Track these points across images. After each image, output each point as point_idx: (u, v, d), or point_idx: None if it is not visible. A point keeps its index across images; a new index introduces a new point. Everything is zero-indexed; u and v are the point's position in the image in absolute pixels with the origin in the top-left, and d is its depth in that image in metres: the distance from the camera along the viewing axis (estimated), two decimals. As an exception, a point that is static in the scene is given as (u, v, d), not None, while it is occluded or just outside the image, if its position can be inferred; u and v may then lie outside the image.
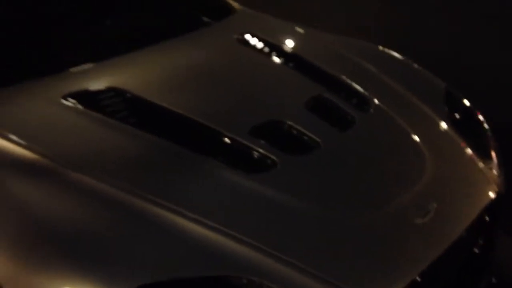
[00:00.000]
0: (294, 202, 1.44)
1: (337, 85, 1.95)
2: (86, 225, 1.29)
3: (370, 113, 1.86)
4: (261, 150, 1.56)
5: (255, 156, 1.55)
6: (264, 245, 1.31)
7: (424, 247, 1.48)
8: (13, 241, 1.27)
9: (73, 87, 1.67)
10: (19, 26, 1.89)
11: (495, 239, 1.83)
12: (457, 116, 2.01)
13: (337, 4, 4.98)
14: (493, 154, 1.91)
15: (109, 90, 1.69)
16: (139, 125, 1.57)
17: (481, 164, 1.81)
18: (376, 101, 1.90)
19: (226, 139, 1.59)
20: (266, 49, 2.09)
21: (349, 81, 1.98)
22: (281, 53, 2.09)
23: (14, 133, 1.48)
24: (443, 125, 1.92)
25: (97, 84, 1.72)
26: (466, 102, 2.11)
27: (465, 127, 1.96)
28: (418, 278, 1.40)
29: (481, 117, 2.06)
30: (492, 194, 1.75)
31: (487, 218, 1.73)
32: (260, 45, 2.10)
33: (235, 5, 2.39)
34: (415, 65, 2.22)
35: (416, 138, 1.80)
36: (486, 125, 2.04)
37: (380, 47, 2.33)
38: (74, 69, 1.78)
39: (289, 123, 1.69)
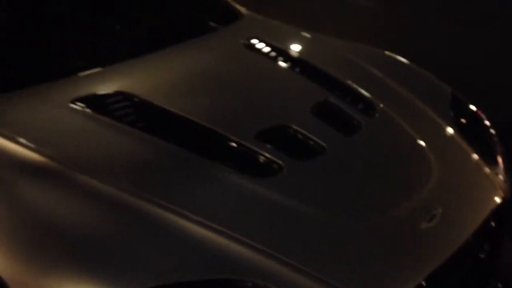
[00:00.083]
0: (300, 207, 1.44)
1: (343, 90, 1.95)
2: (93, 228, 1.30)
3: (376, 118, 1.86)
4: (267, 155, 1.57)
5: (261, 161, 1.56)
6: (269, 248, 1.32)
7: (429, 252, 1.48)
8: (21, 243, 1.29)
9: (82, 91, 1.69)
10: (29, 30, 1.92)
11: (501, 244, 1.83)
12: (463, 121, 2.01)
13: (337, 4, 5.01)
14: (499, 159, 1.91)
15: (117, 94, 1.70)
16: (147, 129, 1.58)
17: (487, 170, 1.81)
18: (382, 106, 1.91)
19: (233, 144, 1.60)
20: (273, 54, 2.10)
21: (355, 86, 1.99)
22: (287, 58, 2.10)
23: (23, 136, 1.50)
24: (449, 130, 1.92)
25: (105, 88, 1.73)
26: (472, 107, 2.11)
27: (471, 132, 1.96)
28: (423, 283, 1.40)
29: (487, 122, 2.06)
30: (498, 200, 1.74)
31: (493, 224, 1.73)
32: (266, 50, 2.11)
33: (242, 10, 2.40)
34: (421, 70, 2.22)
35: (422, 143, 1.81)
36: (492, 130, 2.04)
37: (387, 52, 2.34)
38: (82, 74, 1.80)
39: (295, 127, 1.70)
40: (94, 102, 1.66)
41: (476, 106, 2.10)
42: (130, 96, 1.70)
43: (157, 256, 1.26)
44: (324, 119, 1.78)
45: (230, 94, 1.83)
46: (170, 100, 1.71)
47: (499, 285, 1.82)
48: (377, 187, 1.60)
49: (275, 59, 2.08)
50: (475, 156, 1.84)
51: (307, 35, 2.35)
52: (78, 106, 1.64)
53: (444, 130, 1.92)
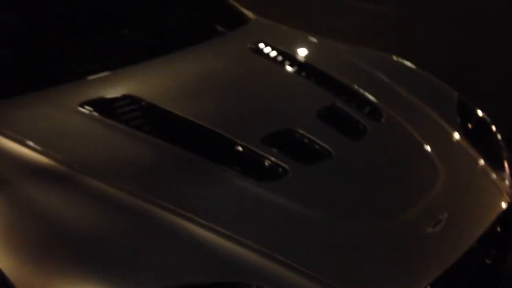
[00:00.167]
0: (305, 210, 1.45)
1: (349, 95, 1.95)
2: (99, 230, 1.31)
3: (382, 123, 1.87)
4: (272, 159, 1.58)
5: (267, 164, 1.57)
6: (274, 252, 1.32)
7: (434, 257, 1.48)
8: (28, 245, 1.30)
9: (90, 95, 1.71)
10: (38, 35, 1.94)
11: (507, 249, 1.82)
12: (470, 126, 2.00)
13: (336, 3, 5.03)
14: (506, 164, 1.90)
15: (125, 98, 1.72)
16: (154, 132, 1.59)
17: (493, 175, 1.81)
18: (388, 110, 1.91)
19: (239, 147, 1.60)
20: (279, 58, 2.11)
21: (361, 90, 1.99)
22: (294, 62, 2.11)
23: (31, 139, 1.52)
24: (456, 135, 1.92)
25: (113, 92, 1.75)
26: (479, 112, 2.10)
27: (478, 137, 1.95)
28: (428, 288, 1.41)
29: (494, 127, 2.06)
30: (504, 205, 1.74)
31: (499, 229, 1.73)
32: (273, 54, 2.12)
33: (249, 14, 2.41)
34: (427, 74, 2.22)
35: (428, 148, 1.81)
36: (499, 136, 2.03)
37: (394, 57, 2.34)
38: (91, 77, 1.81)
39: (301, 132, 1.71)
40: (102, 105, 1.68)
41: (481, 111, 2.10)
42: (138, 99, 1.71)
43: (162, 258, 1.27)
44: (330, 123, 1.78)
45: (236, 98, 1.84)
46: (177, 103, 1.72)
47: (505, 290, 1.82)
48: (383, 192, 1.60)
49: (281, 64, 2.09)
50: (482, 161, 1.84)
51: (313, 39, 2.36)
52: (86, 109, 1.65)
53: (450, 135, 1.92)
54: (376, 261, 1.42)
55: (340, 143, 1.70)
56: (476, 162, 1.84)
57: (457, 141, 1.91)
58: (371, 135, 1.79)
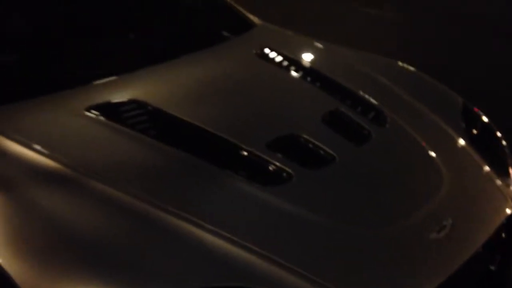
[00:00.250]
0: (309, 215, 1.45)
1: (354, 100, 1.96)
2: (105, 234, 1.32)
3: (386, 128, 1.87)
4: (277, 163, 1.58)
5: (272, 169, 1.57)
6: (279, 257, 1.33)
7: (439, 262, 1.48)
8: (34, 248, 1.31)
9: (96, 100, 1.72)
10: (45, 39, 1.95)
11: (511, 256, 1.82)
12: (475, 132, 2.00)
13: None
14: (511, 171, 1.90)
15: (131, 102, 1.73)
16: (159, 137, 1.60)
17: (498, 181, 1.81)
18: (392, 116, 1.91)
19: (244, 152, 1.61)
20: (285, 64, 2.12)
21: (366, 95, 2.00)
22: (299, 67, 2.12)
23: (38, 143, 1.53)
24: (460, 141, 1.92)
25: (119, 96, 1.76)
26: (484, 118, 2.10)
27: (483, 143, 1.95)
28: (432, 294, 1.41)
29: (499, 134, 2.06)
30: (509, 211, 1.74)
31: (503, 235, 1.73)
32: (278, 59, 2.13)
33: (255, 19, 2.43)
34: (433, 80, 2.22)
35: (433, 153, 1.81)
36: (504, 142, 2.03)
37: (399, 62, 2.35)
38: (97, 82, 1.83)
39: (306, 137, 1.71)
40: (109, 110, 1.69)
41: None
42: (144, 104, 1.73)
43: (167, 262, 1.28)
44: (335, 128, 1.79)
45: (242, 103, 1.84)
46: (183, 108, 1.73)
47: (510, 296, 1.81)
48: (387, 197, 1.60)
49: (287, 69, 2.10)
50: (486, 167, 1.84)
51: (319, 45, 2.37)
52: (92, 113, 1.67)
53: (455, 141, 1.92)
54: (380, 266, 1.42)
55: (345, 148, 1.71)
56: (481, 168, 1.84)
57: (462, 146, 1.90)
58: (375, 140, 1.79)
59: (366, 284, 1.37)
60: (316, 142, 1.70)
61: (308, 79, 2.05)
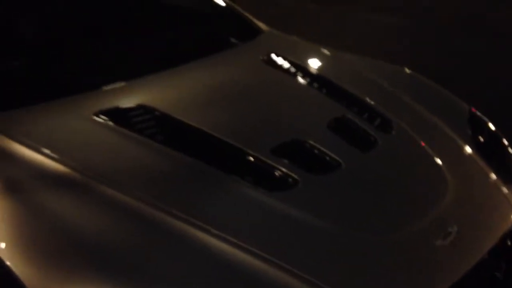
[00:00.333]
0: (315, 221, 1.46)
1: (361, 106, 1.97)
2: (113, 238, 1.33)
3: (392, 135, 1.87)
4: (283, 169, 1.59)
5: (277, 175, 1.58)
6: (284, 262, 1.33)
7: (444, 269, 1.48)
8: (42, 251, 1.32)
9: (105, 105, 1.74)
10: (54, 45, 1.98)
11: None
12: (481, 139, 2.00)
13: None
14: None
15: (139, 107, 1.75)
16: (167, 142, 1.62)
17: (504, 189, 1.80)
18: (399, 122, 1.92)
19: (250, 158, 1.62)
20: (292, 70, 2.13)
21: (372, 102, 2.00)
22: (306, 74, 2.13)
23: (47, 147, 1.55)
24: (467, 148, 1.92)
25: (127, 102, 1.78)
26: (491, 125, 2.10)
27: (489, 150, 1.95)
28: (437, 301, 1.41)
29: (505, 141, 2.06)
30: (515, 219, 1.74)
31: (509, 243, 1.72)
32: (285, 65, 2.14)
33: (262, 26, 2.44)
34: (439, 87, 2.22)
35: (439, 160, 1.81)
36: (510, 149, 2.03)
37: (406, 69, 2.35)
38: (106, 88, 1.85)
39: (312, 143, 1.72)
40: (117, 115, 1.71)
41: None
42: (152, 109, 1.74)
43: (172, 266, 1.29)
44: (341, 134, 1.79)
45: (248, 109, 1.86)
46: (190, 114, 1.75)
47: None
48: (392, 203, 1.60)
49: (293, 75, 2.11)
50: (493, 175, 1.84)
51: (326, 51, 2.38)
52: (101, 118, 1.68)
53: (461, 148, 1.92)
54: (385, 273, 1.42)
55: (351, 155, 1.71)
56: (487, 175, 1.84)
57: (468, 154, 1.90)
58: (381, 147, 1.79)
59: (371, 290, 1.38)
60: (322, 148, 1.70)
61: (315, 85, 2.06)
